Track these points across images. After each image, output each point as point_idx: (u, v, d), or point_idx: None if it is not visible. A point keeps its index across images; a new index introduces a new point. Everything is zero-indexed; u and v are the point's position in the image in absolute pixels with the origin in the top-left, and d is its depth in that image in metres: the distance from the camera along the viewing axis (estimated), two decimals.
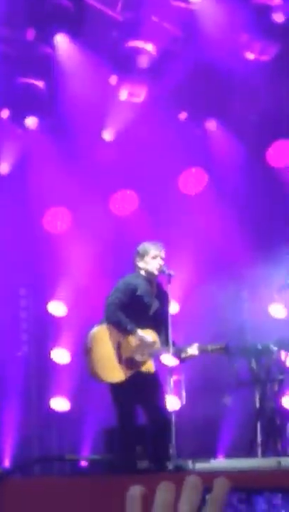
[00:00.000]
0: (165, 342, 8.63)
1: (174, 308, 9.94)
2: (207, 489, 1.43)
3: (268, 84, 12.39)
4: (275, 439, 9.59)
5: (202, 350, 8.83)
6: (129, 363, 8.62)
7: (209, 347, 8.89)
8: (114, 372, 8.65)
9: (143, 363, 8.61)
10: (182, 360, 8.79)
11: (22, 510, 5.33)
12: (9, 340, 12.03)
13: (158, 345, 8.68)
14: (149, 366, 8.63)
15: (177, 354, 8.69)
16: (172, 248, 9.07)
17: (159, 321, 8.67)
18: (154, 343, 8.66)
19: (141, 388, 8.55)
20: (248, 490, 1.37)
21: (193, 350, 8.75)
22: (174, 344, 8.72)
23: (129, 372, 8.61)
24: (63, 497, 5.50)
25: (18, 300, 12.64)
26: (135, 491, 1.45)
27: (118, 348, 8.69)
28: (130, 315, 8.75)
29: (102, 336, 8.76)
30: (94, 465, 8.96)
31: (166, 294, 8.83)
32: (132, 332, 8.61)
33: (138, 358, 8.61)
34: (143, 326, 8.67)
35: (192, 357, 8.79)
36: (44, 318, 12.73)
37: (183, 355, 8.72)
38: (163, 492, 1.45)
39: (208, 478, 1.48)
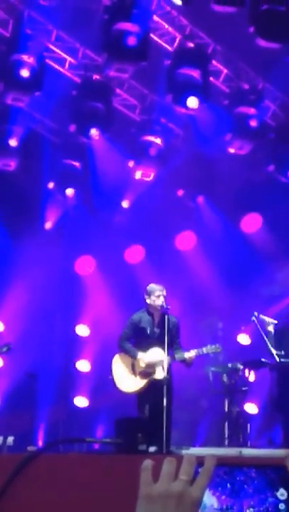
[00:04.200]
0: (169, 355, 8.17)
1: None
2: (199, 464, 1.52)
3: (243, 171, 12.44)
4: (238, 434, 9.63)
5: (199, 353, 8.36)
6: (143, 374, 8.40)
7: (204, 349, 8.39)
8: (132, 385, 8.42)
9: (153, 372, 8.30)
10: (180, 361, 8.35)
11: (50, 478, 5.45)
12: (46, 352, 11.70)
13: (161, 357, 8.20)
14: (159, 374, 8.24)
15: (177, 358, 8.29)
16: (169, 288, 8.69)
17: (163, 341, 8.09)
18: (155, 357, 8.31)
19: (156, 391, 8.07)
20: (230, 465, 1.58)
21: (190, 353, 8.28)
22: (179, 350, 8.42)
23: (145, 381, 8.38)
24: (81, 469, 5.61)
25: (53, 322, 12.28)
26: (148, 463, 1.50)
27: (132, 366, 8.48)
28: (137, 341, 8.59)
29: (117, 361, 8.58)
30: (105, 447, 8.95)
31: (169, 321, 8.17)
32: (135, 357, 8.46)
33: (148, 369, 8.35)
34: (148, 346, 8.43)
35: (190, 359, 8.29)
36: (72, 336, 12.65)
37: (179, 358, 8.28)
38: (168, 464, 1.50)
39: (198, 459, 1.56)
